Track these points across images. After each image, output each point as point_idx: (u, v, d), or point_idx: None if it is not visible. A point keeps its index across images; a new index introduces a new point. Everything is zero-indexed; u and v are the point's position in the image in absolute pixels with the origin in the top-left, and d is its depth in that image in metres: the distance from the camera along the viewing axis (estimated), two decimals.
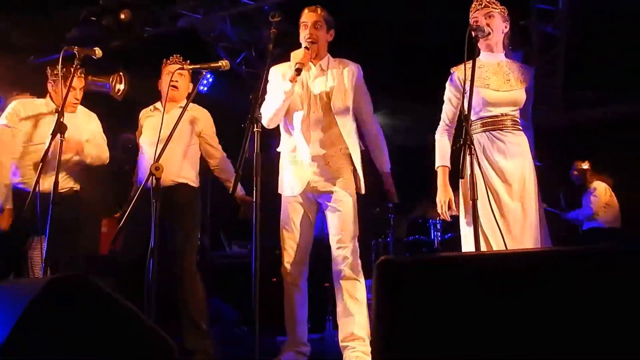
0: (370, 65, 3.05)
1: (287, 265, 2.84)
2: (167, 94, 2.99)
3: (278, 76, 2.84)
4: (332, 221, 2.81)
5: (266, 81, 2.66)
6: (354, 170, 2.85)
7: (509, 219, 2.50)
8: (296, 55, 2.70)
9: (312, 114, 2.80)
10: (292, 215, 2.84)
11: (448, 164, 2.70)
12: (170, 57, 3.32)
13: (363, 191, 2.89)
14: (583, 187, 5.89)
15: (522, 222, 2.51)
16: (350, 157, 2.84)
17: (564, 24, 5.41)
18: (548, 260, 1.35)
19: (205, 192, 7.58)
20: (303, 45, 2.77)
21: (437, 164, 2.72)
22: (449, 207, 2.64)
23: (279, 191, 2.94)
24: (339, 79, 2.84)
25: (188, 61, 3.21)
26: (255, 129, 2.37)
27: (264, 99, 2.72)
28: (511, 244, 2.43)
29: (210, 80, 6.61)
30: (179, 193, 3.13)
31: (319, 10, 2.86)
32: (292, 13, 3.06)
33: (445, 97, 2.78)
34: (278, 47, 2.71)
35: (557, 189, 6.00)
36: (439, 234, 6.18)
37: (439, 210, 2.65)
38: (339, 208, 2.78)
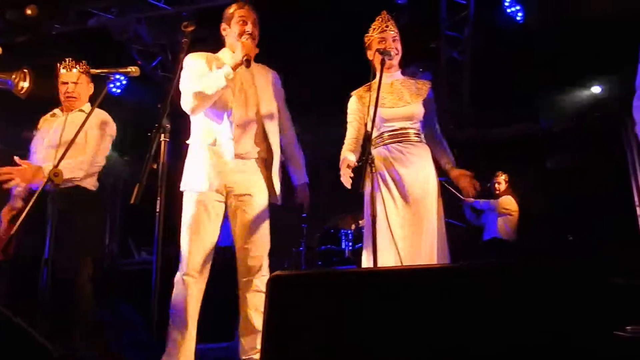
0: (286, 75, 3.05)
1: (191, 267, 2.58)
2: (63, 103, 2.82)
3: (200, 63, 2.65)
4: (245, 228, 2.65)
5: (176, 90, 2.51)
6: (272, 178, 2.74)
7: (408, 228, 2.61)
8: (247, 46, 2.57)
9: (240, 111, 2.67)
10: (201, 212, 2.60)
11: (350, 157, 2.76)
12: (63, 62, 3.13)
13: (279, 201, 2.77)
14: (495, 198, 6.16)
15: (422, 232, 2.62)
16: (271, 164, 2.74)
17: (468, 50, 5.80)
18: (429, 275, 1.45)
19: (115, 197, 7.35)
20: (243, 38, 2.65)
21: (341, 159, 2.78)
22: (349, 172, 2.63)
23: (184, 186, 2.68)
24: (266, 82, 2.80)
25: (85, 64, 3.08)
26: (162, 138, 2.30)
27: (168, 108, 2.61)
28: (410, 254, 2.55)
29: (124, 82, 6.42)
30: (76, 197, 2.99)
31: (252, 8, 2.80)
32: (209, 19, 3.03)
33: (348, 120, 2.91)
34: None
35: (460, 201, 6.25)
36: (350, 243, 6.33)
37: (342, 179, 2.64)
38: (255, 214, 2.65)
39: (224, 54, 2.77)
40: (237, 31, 2.70)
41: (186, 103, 2.57)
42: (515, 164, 6.86)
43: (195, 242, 2.59)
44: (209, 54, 2.68)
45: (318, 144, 7.08)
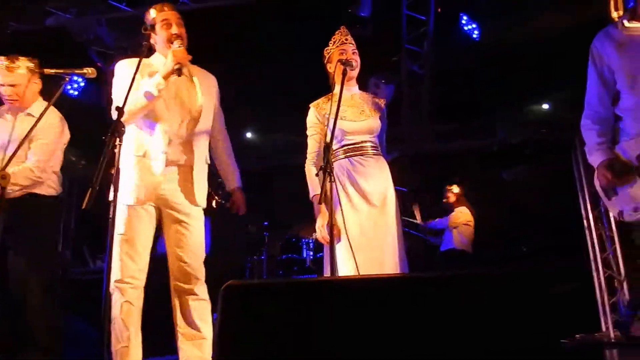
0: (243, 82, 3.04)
1: (125, 274, 2.50)
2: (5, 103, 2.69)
3: (131, 71, 2.44)
4: (180, 238, 2.59)
5: (128, 92, 2.42)
6: (199, 184, 2.66)
7: (367, 239, 2.64)
8: (178, 54, 2.48)
9: (173, 120, 2.58)
10: (135, 223, 2.52)
11: (319, 192, 2.71)
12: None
13: (210, 205, 2.78)
14: (450, 209, 6.28)
15: (382, 242, 2.66)
16: (204, 171, 2.71)
17: (428, 64, 5.94)
18: (384, 284, 1.48)
19: (69, 204, 7.15)
20: (176, 45, 2.52)
21: (311, 194, 2.83)
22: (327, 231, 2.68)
23: (112, 197, 2.47)
24: (205, 88, 2.71)
25: (29, 60, 2.95)
26: (117, 142, 2.21)
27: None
28: (369, 263, 2.57)
29: (82, 84, 6.28)
30: (29, 205, 2.89)
31: (172, 6, 2.68)
32: None
33: (308, 133, 2.92)
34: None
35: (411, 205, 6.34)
36: (311, 252, 6.33)
37: (317, 235, 2.73)
38: (191, 224, 2.60)
39: (156, 59, 2.66)
40: (165, 36, 2.58)
41: (116, 113, 2.40)
42: (472, 175, 7.05)
43: (128, 250, 2.51)
44: (142, 59, 2.49)
45: (277, 152, 7.13)
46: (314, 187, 2.80)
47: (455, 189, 6.28)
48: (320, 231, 2.70)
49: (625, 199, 2.13)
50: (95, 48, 5.79)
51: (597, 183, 2.27)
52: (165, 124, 2.57)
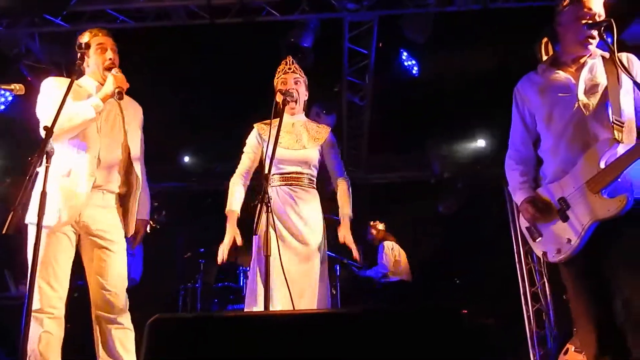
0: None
1: (45, 303, 2.40)
2: None
3: (60, 91, 2.39)
4: (102, 265, 2.50)
5: (59, 112, 2.32)
6: (129, 213, 2.63)
7: (296, 271, 2.62)
8: (120, 79, 2.50)
9: (103, 143, 2.56)
10: (55, 246, 2.44)
11: (235, 208, 2.79)
12: None
13: (130, 234, 2.64)
14: (374, 244, 6.45)
15: (308, 275, 2.66)
16: (129, 199, 2.65)
17: (368, 96, 6.08)
18: (317, 320, 1.46)
19: None
20: (114, 71, 2.55)
21: (227, 208, 2.80)
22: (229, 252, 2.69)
23: (30, 218, 2.44)
24: (133, 115, 2.72)
25: None
26: (45, 164, 2.13)
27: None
28: (297, 295, 2.54)
29: (10, 99, 5.97)
30: None
31: (106, 32, 2.70)
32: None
33: (245, 150, 2.93)
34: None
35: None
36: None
37: (219, 252, 2.68)
38: (114, 251, 2.53)
39: (85, 81, 2.64)
40: (99, 60, 2.61)
41: (44, 133, 2.31)
42: (408, 207, 7.22)
43: (48, 277, 2.41)
44: (70, 79, 2.40)
45: (214, 176, 7.02)
46: (230, 202, 2.81)
47: (380, 225, 6.47)
48: (223, 250, 2.68)
49: (549, 240, 2.20)
50: (27, 62, 5.53)
51: (521, 223, 2.35)
52: (94, 147, 2.53)
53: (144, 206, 2.75)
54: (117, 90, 2.47)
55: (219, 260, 2.69)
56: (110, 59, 2.61)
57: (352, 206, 2.92)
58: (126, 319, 2.53)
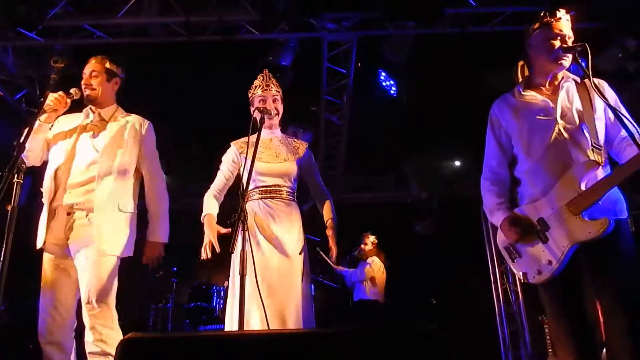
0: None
1: (48, 332, 2.41)
2: None
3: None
4: (83, 284, 2.44)
5: (30, 129, 2.26)
6: (116, 230, 2.58)
7: (275, 288, 2.57)
8: (52, 99, 2.53)
9: (76, 163, 2.57)
10: (48, 270, 2.48)
11: (212, 212, 2.75)
12: None
13: (121, 254, 2.56)
14: (363, 258, 6.28)
15: (289, 291, 2.60)
16: (113, 216, 2.59)
17: (346, 116, 6.11)
18: (292, 339, 1.43)
19: None
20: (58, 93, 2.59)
21: (203, 214, 2.75)
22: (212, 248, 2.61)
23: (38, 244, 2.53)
24: (118, 133, 2.68)
25: None
26: (15, 179, 2.11)
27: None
28: (276, 313, 2.51)
29: None
30: None
31: (99, 59, 2.75)
32: (84, 56, 2.86)
33: (221, 167, 2.91)
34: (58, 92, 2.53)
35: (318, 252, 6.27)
36: (222, 301, 6.06)
37: (202, 250, 2.61)
38: (95, 269, 2.45)
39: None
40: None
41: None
42: (385, 227, 7.21)
43: (48, 304, 2.44)
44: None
45: (187, 195, 6.94)
46: (205, 208, 2.78)
47: (373, 237, 6.34)
48: (205, 247, 2.62)
49: (528, 261, 2.19)
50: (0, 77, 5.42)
51: (500, 242, 2.34)
52: (64, 167, 2.56)
53: (152, 227, 2.76)
54: (47, 110, 2.51)
55: (203, 256, 2.60)
56: (84, 84, 2.70)
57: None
58: (106, 345, 2.41)
